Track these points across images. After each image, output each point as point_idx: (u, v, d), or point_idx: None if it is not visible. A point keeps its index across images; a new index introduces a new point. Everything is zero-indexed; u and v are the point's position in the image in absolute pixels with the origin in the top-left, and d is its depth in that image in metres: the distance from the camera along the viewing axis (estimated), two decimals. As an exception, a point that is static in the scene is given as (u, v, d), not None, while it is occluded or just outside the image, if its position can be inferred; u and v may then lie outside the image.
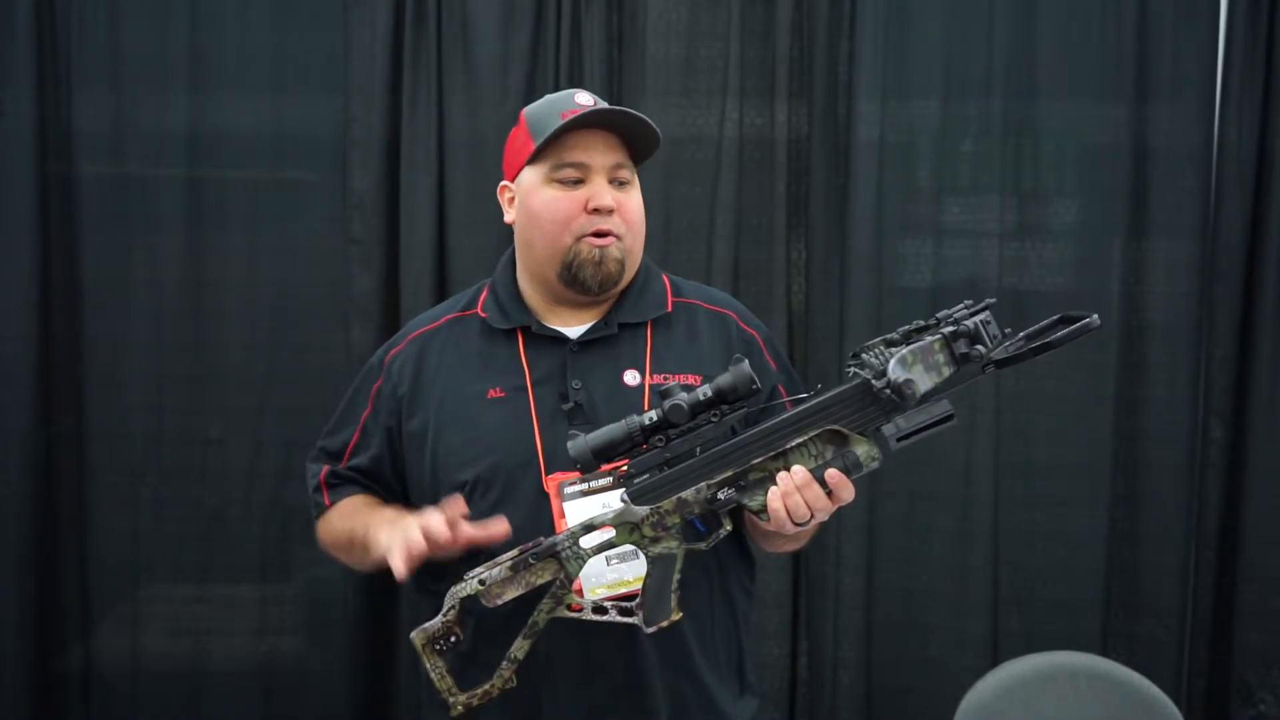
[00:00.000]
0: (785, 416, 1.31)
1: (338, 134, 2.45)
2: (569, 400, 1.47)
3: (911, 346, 1.24)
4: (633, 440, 1.31)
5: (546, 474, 1.44)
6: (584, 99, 1.51)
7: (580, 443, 1.31)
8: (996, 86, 2.44)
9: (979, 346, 1.23)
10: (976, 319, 1.24)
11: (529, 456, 1.45)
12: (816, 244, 2.47)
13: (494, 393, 1.49)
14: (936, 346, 1.24)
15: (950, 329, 1.24)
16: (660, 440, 1.32)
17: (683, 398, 1.30)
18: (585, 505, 1.41)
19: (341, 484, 1.60)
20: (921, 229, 2.49)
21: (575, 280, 1.48)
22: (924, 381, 1.23)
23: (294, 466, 2.45)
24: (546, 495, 1.44)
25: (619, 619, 1.35)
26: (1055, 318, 1.28)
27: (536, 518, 1.42)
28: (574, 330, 1.52)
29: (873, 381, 1.25)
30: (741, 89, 2.46)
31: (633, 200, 1.51)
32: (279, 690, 2.51)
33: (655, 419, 1.31)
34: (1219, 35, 2.40)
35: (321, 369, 2.47)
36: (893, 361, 1.23)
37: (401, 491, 1.58)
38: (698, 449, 1.33)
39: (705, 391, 1.31)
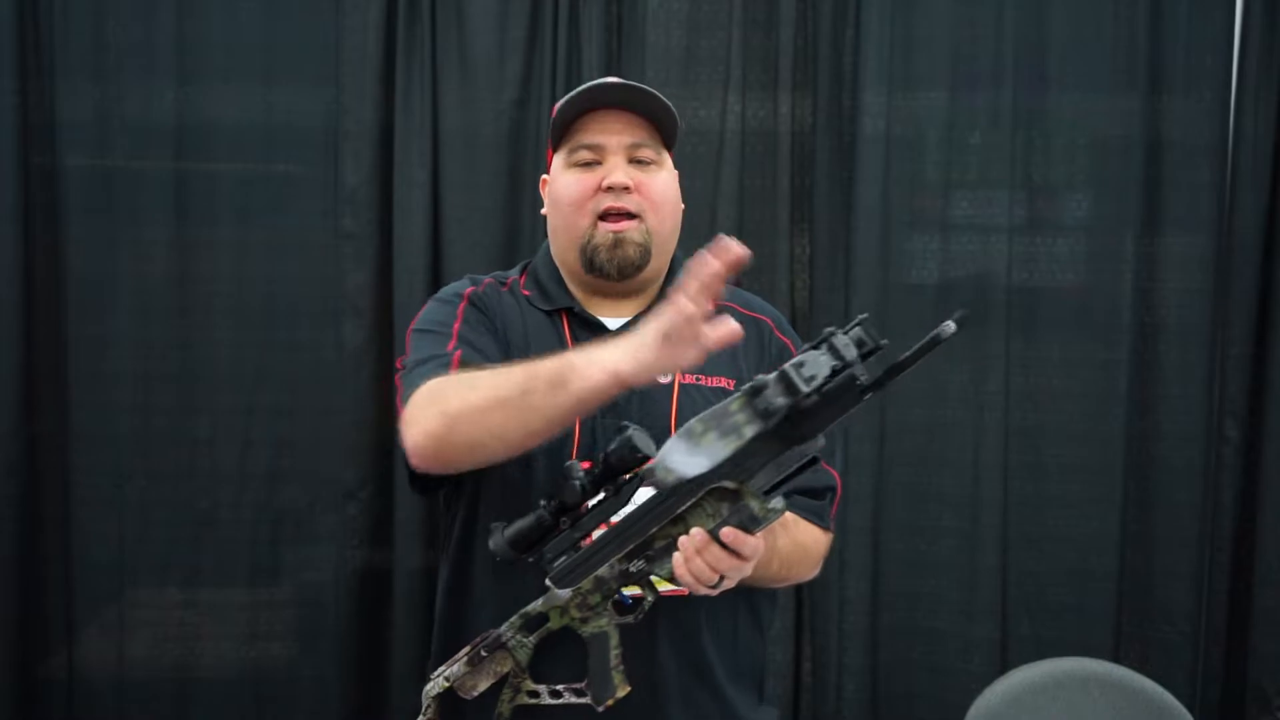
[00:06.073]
0: None
1: (329, 126, 2.40)
2: None
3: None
4: (543, 526, 1.30)
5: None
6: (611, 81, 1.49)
7: (498, 537, 1.31)
8: (1006, 77, 2.40)
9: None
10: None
11: (563, 441, 1.40)
12: (821, 239, 2.43)
13: None
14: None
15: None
16: (566, 522, 1.31)
17: (579, 477, 1.29)
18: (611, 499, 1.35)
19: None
20: (928, 224, 2.45)
21: (593, 266, 1.46)
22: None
23: (284, 467, 2.44)
24: None
25: (575, 700, 1.34)
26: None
27: None
28: (613, 322, 1.49)
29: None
30: (744, 80, 2.42)
31: (656, 180, 1.47)
32: (269, 697, 2.46)
33: (555, 502, 1.30)
34: (1235, 25, 2.36)
35: (313, 367, 2.42)
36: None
37: None
38: (610, 522, 1.30)
39: (597, 467, 1.29)
